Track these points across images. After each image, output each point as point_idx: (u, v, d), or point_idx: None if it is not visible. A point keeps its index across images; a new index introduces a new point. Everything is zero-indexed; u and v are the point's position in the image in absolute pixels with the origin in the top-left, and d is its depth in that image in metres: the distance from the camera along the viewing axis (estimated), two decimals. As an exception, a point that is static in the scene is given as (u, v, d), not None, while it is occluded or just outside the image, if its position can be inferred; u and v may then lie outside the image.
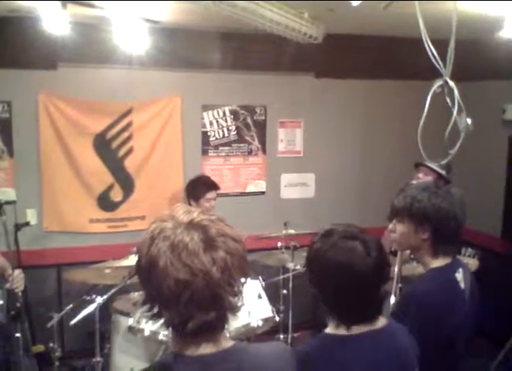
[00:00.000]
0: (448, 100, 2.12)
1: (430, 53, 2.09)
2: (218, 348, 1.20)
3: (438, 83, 2.13)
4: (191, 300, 1.12)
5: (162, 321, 1.18)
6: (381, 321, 1.62)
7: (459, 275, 1.98)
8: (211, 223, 1.18)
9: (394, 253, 2.67)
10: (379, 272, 1.57)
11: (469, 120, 2.14)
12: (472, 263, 3.06)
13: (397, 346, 1.62)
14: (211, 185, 4.11)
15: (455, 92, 2.10)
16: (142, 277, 1.18)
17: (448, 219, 1.94)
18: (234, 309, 1.19)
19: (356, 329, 1.57)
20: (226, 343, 1.22)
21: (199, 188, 4.10)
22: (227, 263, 1.15)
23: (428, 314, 1.85)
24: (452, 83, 2.12)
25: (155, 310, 1.18)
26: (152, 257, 1.14)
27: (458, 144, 2.14)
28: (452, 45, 2.12)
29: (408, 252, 2.33)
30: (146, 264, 1.15)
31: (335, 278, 1.56)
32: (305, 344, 1.62)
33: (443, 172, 3.57)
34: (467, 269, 2.07)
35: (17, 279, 2.93)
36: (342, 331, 1.58)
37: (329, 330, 1.62)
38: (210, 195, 4.05)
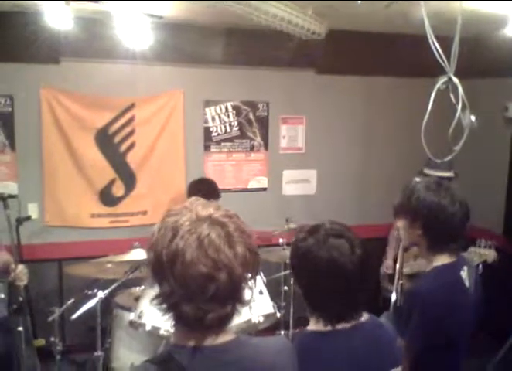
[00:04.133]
0: (452, 97, 2.12)
1: (434, 50, 2.08)
2: (220, 340, 1.21)
3: (443, 79, 2.13)
4: (215, 294, 1.13)
5: (171, 314, 1.18)
6: (363, 317, 1.62)
7: (464, 273, 1.99)
8: (230, 219, 1.20)
9: (407, 250, 2.67)
10: (362, 270, 1.56)
11: (472, 117, 2.14)
12: (490, 253, 3.03)
13: (377, 341, 1.61)
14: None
15: (460, 89, 2.10)
16: (161, 270, 1.15)
17: (437, 213, 1.93)
18: (245, 303, 1.21)
19: (338, 326, 1.57)
20: (229, 336, 1.23)
21: (190, 193, 3.92)
22: (246, 259, 1.18)
23: (432, 312, 1.86)
24: (456, 80, 2.12)
25: (171, 302, 1.16)
26: (177, 250, 1.13)
27: (462, 141, 2.14)
28: (456, 42, 2.12)
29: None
30: (169, 257, 1.14)
31: (320, 275, 1.55)
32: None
33: (445, 174, 3.54)
34: (471, 266, 2.07)
35: (20, 274, 2.94)
36: (323, 328, 1.57)
37: (310, 327, 1.61)
38: None
